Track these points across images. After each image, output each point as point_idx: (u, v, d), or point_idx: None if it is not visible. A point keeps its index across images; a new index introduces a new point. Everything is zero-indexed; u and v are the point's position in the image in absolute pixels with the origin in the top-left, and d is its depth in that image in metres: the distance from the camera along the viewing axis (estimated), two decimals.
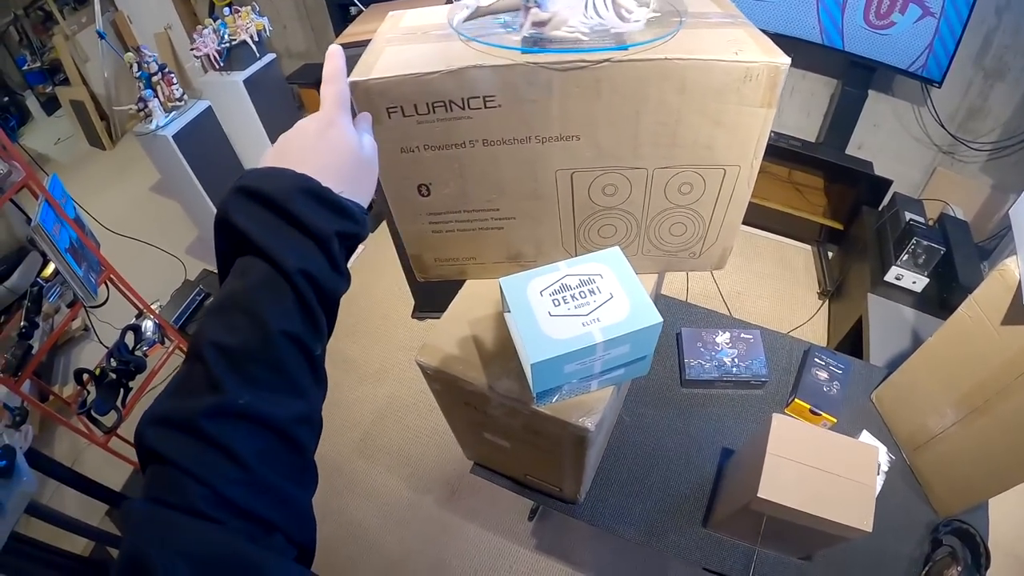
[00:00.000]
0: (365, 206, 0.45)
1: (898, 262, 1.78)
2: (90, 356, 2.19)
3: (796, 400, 1.20)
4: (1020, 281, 0.90)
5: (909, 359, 1.18)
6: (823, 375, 1.23)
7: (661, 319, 0.68)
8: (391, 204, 0.83)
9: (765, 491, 0.89)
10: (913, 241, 1.72)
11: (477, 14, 0.75)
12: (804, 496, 0.89)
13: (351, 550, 1.68)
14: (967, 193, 2.21)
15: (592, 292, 0.70)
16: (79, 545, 1.72)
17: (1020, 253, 0.92)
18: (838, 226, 2.33)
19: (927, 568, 1.06)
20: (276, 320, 0.38)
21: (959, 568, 1.01)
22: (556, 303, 0.69)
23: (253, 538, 0.35)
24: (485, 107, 0.70)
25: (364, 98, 0.70)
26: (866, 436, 1.20)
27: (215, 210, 1.57)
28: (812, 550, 1.08)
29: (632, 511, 1.12)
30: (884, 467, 1.15)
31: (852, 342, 1.85)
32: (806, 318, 2.28)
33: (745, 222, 2.63)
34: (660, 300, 1.35)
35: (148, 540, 0.31)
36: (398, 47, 0.73)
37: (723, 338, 1.27)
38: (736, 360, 1.23)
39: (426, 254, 0.89)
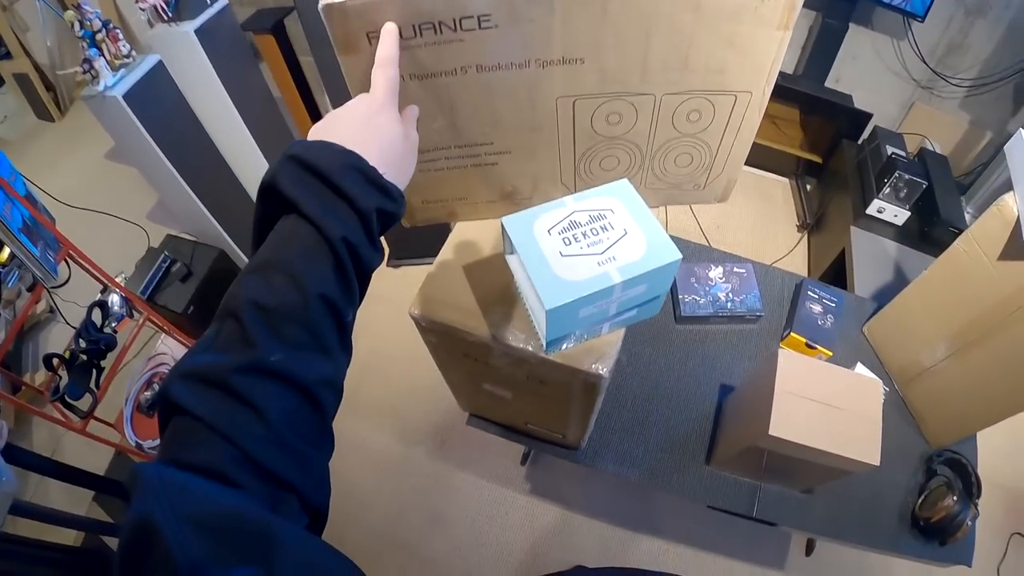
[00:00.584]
0: (402, 189, 0.48)
1: (880, 195, 1.77)
2: (58, 339, 2.09)
3: (792, 334, 1.19)
4: (1019, 217, 0.89)
5: (902, 293, 1.19)
6: (817, 308, 1.23)
7: (680, 255, 0.63)
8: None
9: (776, 429, 0.90)
10: (895, 175, 1.71)
11: None
12: (814, 432, 0.90)
13: (345, 507, 1.67)
14: (945, 128, 2.22)
15: (604, 229, 0.65)
16: (69, 536, 1.67)
17: (1018, 189, 0.91)
18: (817, 159, 2.33)
19: (923, 497, 1.10)
20: (315, 283, 0.39)
21: (955, 497, 1.04)
22: (567, 242, 0.64)
23: (271, 500, 0.35)
24: (479, 28, 0.62)
25: (340, 22, 0.59)
26: (860, 369, 1.20)
27: (175, 173, 1.43)
28: (815, 484, 1.11)
29: (634, 453, 1.12)
30: (880, 400, 1.14)
31: (835, 274, 1.87)
32: (786, 251, 2.30)
33: None
34: None
35: (155, 504, 0.30)
36: None
37: (716, 273, 1.24)
38: (730, 295, 1.22)
39: (412, 196, 0.82)
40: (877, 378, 0.97)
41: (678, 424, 1.14)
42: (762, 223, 2.42)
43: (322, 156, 0.41)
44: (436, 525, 1.68)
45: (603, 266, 0.62)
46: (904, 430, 1.19)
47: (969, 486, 1.12)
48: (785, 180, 2.56)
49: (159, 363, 1.93)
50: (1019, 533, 1.92)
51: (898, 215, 1.80)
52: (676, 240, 1.32)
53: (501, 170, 0.79)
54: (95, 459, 1.81)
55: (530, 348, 0.73)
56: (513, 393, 0.90)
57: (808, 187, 2.45)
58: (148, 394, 1.88)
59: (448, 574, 1.62)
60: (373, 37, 0.61)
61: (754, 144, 2.43)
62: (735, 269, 1.26)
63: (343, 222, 0.40)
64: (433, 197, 0.83)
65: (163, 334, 1.97)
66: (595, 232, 0.65)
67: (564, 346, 0.72)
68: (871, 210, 1.81)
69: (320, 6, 0.57)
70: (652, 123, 0.74)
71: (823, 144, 2.29)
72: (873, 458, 0.90)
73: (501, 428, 1.12)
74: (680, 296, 1.23)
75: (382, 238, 0.46)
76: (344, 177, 0.41)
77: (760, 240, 2.34)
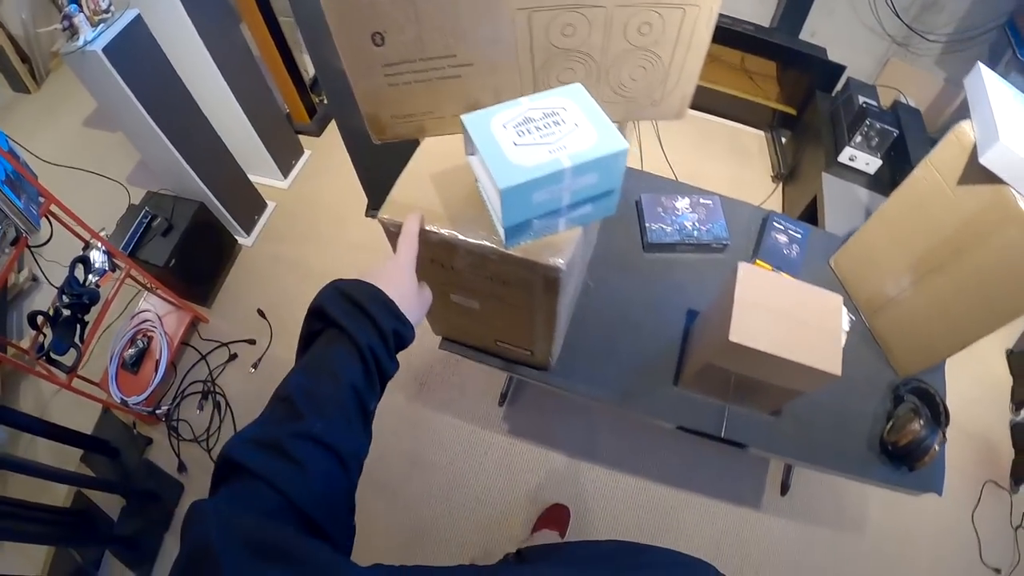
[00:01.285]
0: (414, 325, 0.64)
1: (852, 143, 1.86)
2: (44, 302, 2.14)
3: (757, 261, 1.27)
4: (976, 142, 0.95)
5: (865, 225, 1.26)
6: (783, 238, 1.30)
7: (628, 144, 0.70)
8: (345, 61, 0.82)
9: (736, 335, 0.95)
10: (867, 123, 1.79)
11: None
12: (774, 341, 0.95)
13: None
14: (920, 85, 2.29)
15: (556, 123, 0.72)
16: (60, 497, 1.74)
17: (974, 116, 0.98)
18: (791, 111, 2.41)
19: (891, 423, 1.16)
20: (348, 377, 0.54)
21: (921, 422, 1.10)
22: (521, 134, 0.71)
23: None
24: None
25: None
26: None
27: (157, 130, 1.51)
28: (780, 403, 1.17)
29: (604, 375, 1.19)
30: (845, 327, 1.22)
31: (807, 220, 1.93)
32: (761, 200, 2.38)
33: (697, 107, 2.67)
34: None
35: (211, 528, 0.37)
36: None
37: (683, 203, 1.32)
38: (697, 224, 1.29)
39: (382, 111, 0.89)
40: (838, 293, 1.02)
41: (647, 348, 1.21)
42: (737, 173, 2.51)
43: (357, 289, 0.59)
44: (416, 467, 1.77)
45: (554, 154, 0.69)
46: (871, 360, 1.26)
47: (937, 414, 1.16)
48: (760, 132, 2.64)
49: (142, 320, 1.99)
50: (992, 481, 2.01)
51: (870, 163, 1.89)
52: (646, 174, 1.41)
53: (464, 83, 0.86)
54: (83, 419, 1.87)
55: (491, 244, 0.80)
56: (480, 302, 0.97)
57: (783, 139, 2.54)
58: (132, 351, 1.94)
59: (428, 515, 1.71)
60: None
61: (730, 96, 2.59)
62: (701, 200, 1.34)
63: (368, 335, 0.56)
64: (402, 112, 0.90)
65: (146, 292, 2.03)
66: (548, 126, 0.72)
67: (523, 240, 0.80)
68: (843, 158, 1.89)
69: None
70: (605, 35, 0.82)
71: (798, 96, 2.37)
72: (834, 368, 0.93)
73: (473, 350, 1.19)
74: (647, 224, 1.30)
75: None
76: (371, 304, 0.58)
77: (735, 189, 2.38)
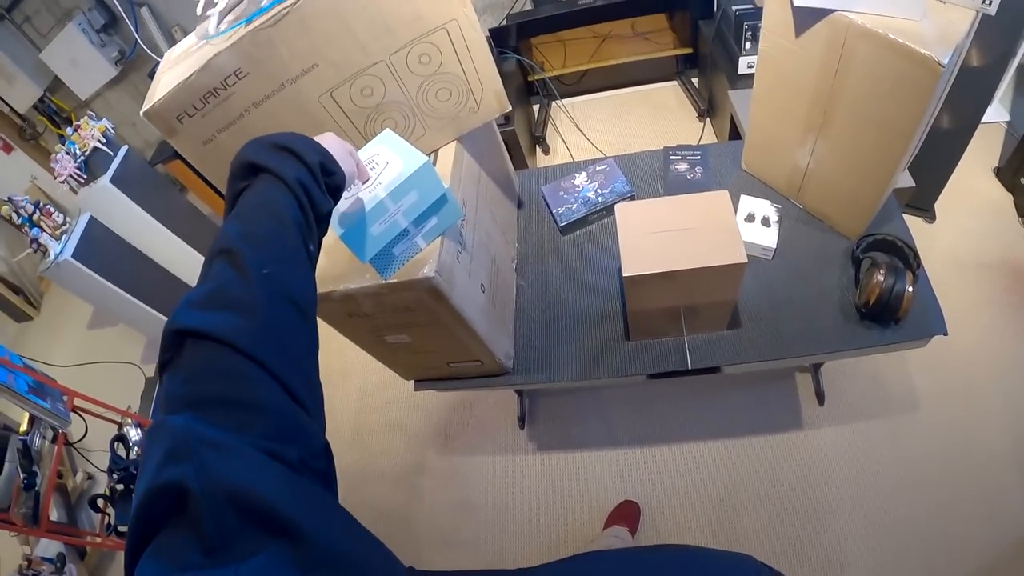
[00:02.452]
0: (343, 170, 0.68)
1: (743, 52, 1.96)
2: (101, 489, 2.41)
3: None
4: None
5: (750, 114, 1.34)
6: (683, 167, 1.43)
7: (427, 158, 0.88)
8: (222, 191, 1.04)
9: (630, 269, 1.05)
10: (745, 27, 1.90)
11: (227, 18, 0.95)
12: (671, 257, 1.03)
13: (387, 532, 1.86)
14: None
15: (373, 167, 0.90)
16: None
17: None
18: (689, 51, 2.55)
19: (859, 286, 1.18)
20: (284, 211, 0.54)
21: (882, 271, 1.11)
22: (349, 187, 0.89)
23: (292, 426, 0.44)
24: (239, 80, 0.92)
25: (158, 119, 0.93)
26: (744, 200, 1.36)
27: (145, 307, 1.84)
28: (725, 315, 1.22)
29: (558, 357, 1.30)
30: (774, 218, 1.32)
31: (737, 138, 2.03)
32: (694, 141, 2.47)
33: (606, 86, 2.87)
34: (518, 175, 1.56)
35: (190, 469, 0.35)
36: (170, 72, 0.95)
37: (581, 178, 1.46)
38: (599, 190, 1.43)
39: None
40: (723, 190, 1.09)
41: (589, 317, 1.32)
42: (664, 128, 2.64)
43: (275, 135, 0.61)
44: (465, 513, 1.89)
45: (372, 191, 0.87)
46: (818, 235, 1.31)
47: (905, 259, 1.17)
48: (673, 83, 2.79)
49: None
50: None
51: None
52: (542, 169, 1.57)
53: None
54: None
55: (374, 282, 0.98)
56: (408, 334, 1.14)
57: (694, 80, 2.67)
58: None
59: (491, 552, 1.81)
60: (181, 117, 0.93)
61: (631, 64, 2.80)
62: (597, 168, 1.47)
63: (296, 168, 0.57)
64: None
65: None
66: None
67: (395, 268, 0.96)
68: (742, 69, 1.99)
69: (141, 113, 0.92)
70: (397, 80, 1.01)
71: (688, 36, 2.52)
72: (738, 256, 0.99)
73: (440, 381, 1.34)
74: (555, 211, 1.43)
75: None
76: (291, 141, 0.60)
77: (666, 142, 2.49)
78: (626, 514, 1.72)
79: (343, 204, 0.85)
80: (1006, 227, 2.01)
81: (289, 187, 0.56)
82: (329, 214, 0.63)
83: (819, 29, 1.02)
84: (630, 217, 1.11)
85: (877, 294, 1.11)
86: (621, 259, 1.06)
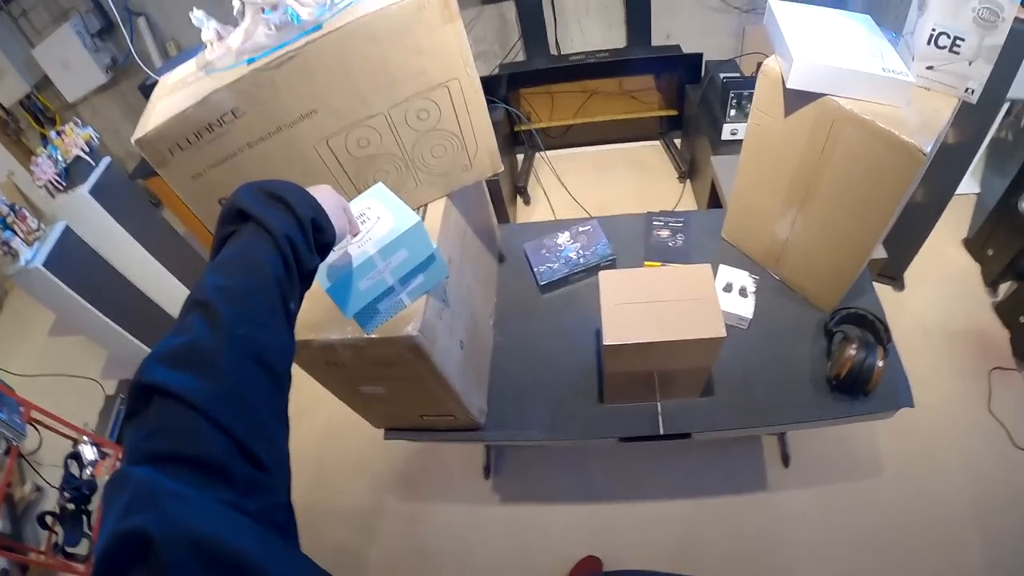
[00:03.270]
0: (335, 228, 0.66)
1: (727, 119, 2.04)
2: (52, 506, 2.30)
3: (646, 263, 1.41)
4: (781, 72, 1.05)
5: (733, 188, 1.38)
6: (665, 233, 1.46)
7: (419, 218, 0.88)
8: (208, 226, 1.02)
9: (610, 337, 1.06)
10: (731, 95, 1.98)
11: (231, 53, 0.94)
12: (651, 328, 1.04)
13: (343, 574, 1.84)
14: None
15: (364, 222, 0.90)
16: None
17: (776, 50, 1.10)
18: (674, 112, 2.65)
19: (831, 358, 1.20)
20: (266, 267, 0.53)
21: (854, 345, 1.14)
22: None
23: (252, 485, 0.43)
24: (236, 118, 0.92)
25: (150, 148, 0.91)
26: (723, 270, 1.39)
27: (112, 324, 1.77)
28: (699, 383, 1.24)
29: (531, 415, 1.30)
30: (751, 289, 1.35)
31: (714, 206, 2.09)
32: (674, 203, 2.57)
33: (590, 141, 2.96)
34: (500, 228, 1.57)
35: (152, 517, 0.35)
36: (166, 100, 0.94)
37: (564, 237, 1.48)
38: (581, 251, 1.45)
39: None
40: (705, 264, 1.10)
41: (565, 378, 1.32)
42: (645, 187, 2.71)
43: (271, 183, 0.60)
44: (427, 560, 1.85)
45: (362, 247, 0.86)
46: (793, 307, 1.35)
47: (876, 333, 1.20)
48: (656, 143, 2.87)
49: None
50: (998, 367, 1.97)
51: None
52: (526, 225, 1.58)
53: None
54: None
55: (355, 335, 0.97)
56: (383, 386, 1.13)
57: (677, 141, 2.76)
58: None
59: None
60: (173, 149, 0.92)
61: (616, 121, 2.89)
62: (580, 229, 1.50)
63: (285, 223, 0.56)
64: None
65: None
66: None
67: (378, 323, 0.96)
68: (726, 135, 2.06)
69: (133, 141, 0.90)
70: (394, 133, 1.02)
71: (674, 97, 2.61)
72: (717, 331, 1.01)
73: (412, 432, 1.33)
74: (536, 269, 1.45)
75: None
76: (286, 191, 0.59)
77: (646, 202, 2.58)
78: (587, 568, 1.71)
79: (331, 256, 0.85)
80: (972, 295, 2.10)
81: (276, 241, 0.55)
82: (315, 271, 0.62)
83: (808, 111, 1.06)
84: (612, 285, 1.13)
85: (848, 368, 1.14)
86: (602, 327, 1.07)
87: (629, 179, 2.76)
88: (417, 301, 0.99)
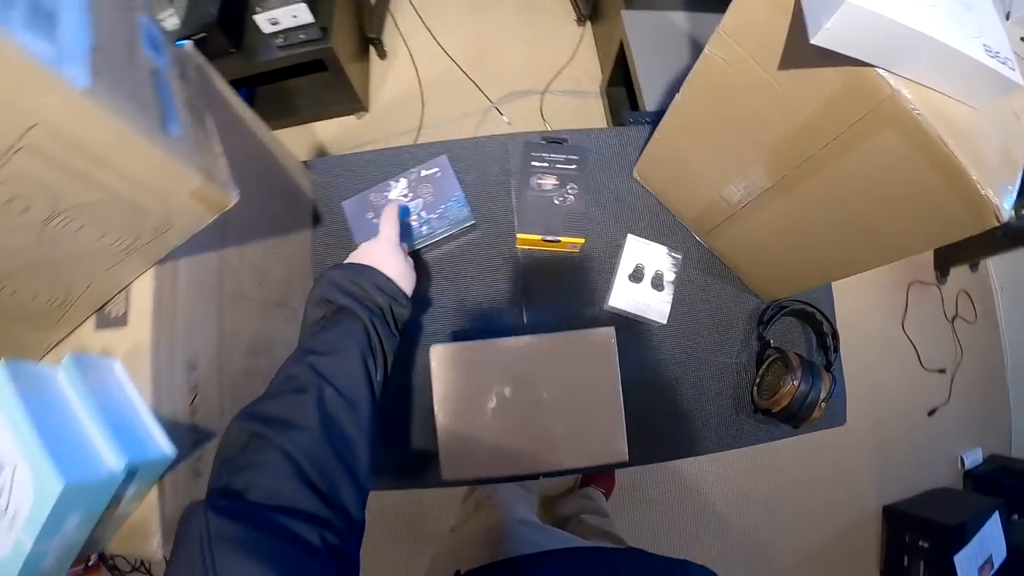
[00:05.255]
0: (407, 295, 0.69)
1: None
2: None
3: (519, 236, 0.93)
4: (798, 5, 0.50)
5: (662, 122, 0.86)
6: (549, 182, 0.95)
7: (63, 481, 0.41)
8: None
9: (450, 472, 0.71)
10: None
11: None
12: (513, 457, 0.68)
13: None
14: None
15: None
16: None
17: None
18: None
19: (758, 380, 0.89)
20: (353, 345, 0.58)
21: (797, 377, 0.83)
22: None
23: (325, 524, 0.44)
24: None
25: None
26: (631, 242, 0.95)
27: None
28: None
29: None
30: (670, 277, 0.94)
31: (622, 68, 1.60)
32: (569, 54, 2.02)
33: None
34: (310, 168, 0.99)
35: (200, 526, 0.38)
36: None
37: (398, 189, 0.96)
38: (424, 214, 0.94)
39: None
40: (609, 328, 0.70)
41: (401, 417, 0.90)
42: (532, 31, 2.08)
43: (354, 270, 0.65)
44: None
45: (12, 532, 0.42)
46: (722, 291, 0.97)
47: (822, 337, 0.93)
48: None
49: None
50: (917, 281, 1.90)
51: None
52: (338, 158, 1.02)
53: None
54: None
55: None
56: None
57: None
58: None
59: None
60: None
61: None
62: (423, 173, 0.96)
63: (370, 311, 0.62)
64: None
65: None
66: None
67: None
68: None
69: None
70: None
71: None
72: (616, 454, 0.69)
73: None
74: (360, 242, 0.92)
75: None
76: (368, 282, 0.64)
77: (536, 53, 2.05)
78: (602, 476, 1.66)
79: None
80: None
81: (363, 324, 0.60)
82: (393, 348, 0.64)
83: (827, 79, 0.55)
84: (451, 373, 0.72)
85: (787, 404, 0.83)
86: (439, 456, 0.72)
87: (514, 20, 2.09)
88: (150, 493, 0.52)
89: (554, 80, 1.98)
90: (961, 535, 1.54)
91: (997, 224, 0.50)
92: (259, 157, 0.82)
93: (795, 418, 0.85)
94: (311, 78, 1.83)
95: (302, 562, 0.40)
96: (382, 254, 0.70)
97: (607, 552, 0.62)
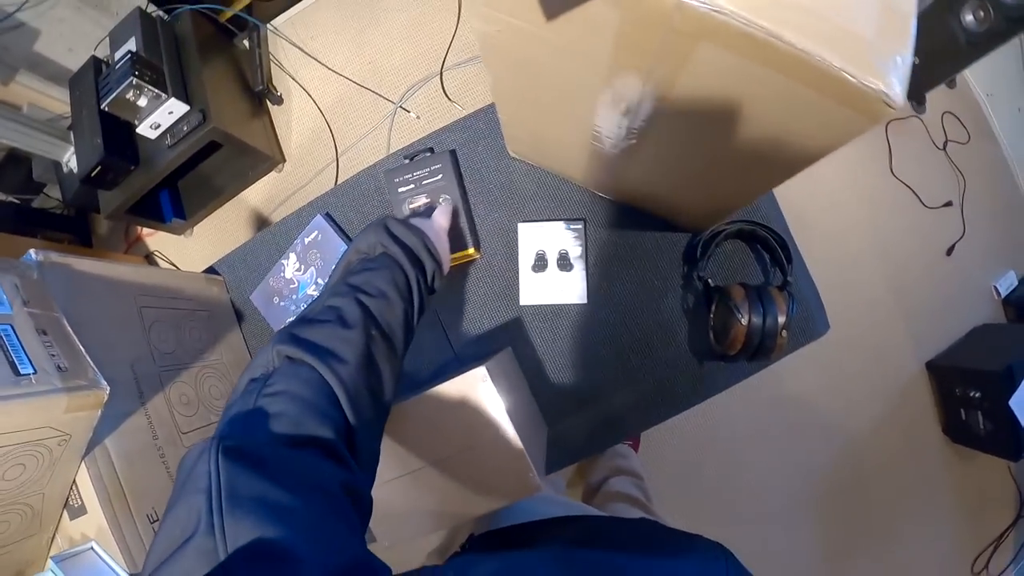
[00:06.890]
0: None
1: None
2: None
3: None
4: None
5: (496, 106, 0.81)
6: (420, 202, 0.91)
7: None
8: None
9: (384, 538, 0.67)
10: None
11: None
12: (434, 514, 0.65)
13: None
14: None
15: None
16: None
17: None
18: None
19: (713, 328, 0.82)
20: (399, 285, 0.60)
21: (743, 316, 0.76)
22: None
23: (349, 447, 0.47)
24: None
25: None
26: (526, 231, 0.90)
27: None
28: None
29: None
30: (577, 252, 0.89)
31: None
32: (453, 24, 1.94)
33: None
34: (213, 279, 0.98)
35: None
36: None
37: (291, 268, 0.94)
38: (321, 281, 0.93)
39: None
40: (479, 369, 0.63)
41: None
42: (414, 18, 1.98)
43: (407, 232, 0.65)
44: None
45: None
46: (642, 238, 0.90)
47: (773, 251, 0.83)
48: None
49: None
50: (894, 118, 1.75)
51: None
52: (233, 254, 1.00)
53: None
54: None
55: None
56: None
57: None
58: None
59: None
60: None
61: None
62: (306, 240, 0.93)
63: (417, 269, 0.63)
64: None
65: None
66: None
67: None
68: None
69: None
70: None
71: None
72: (527, 486, 0.63)
73: None
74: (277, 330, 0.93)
75: None
76: (419, 246, 0.64)
77: (420, 38, 1.96)
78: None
79: None
80: None
81: (405, 274, 0.61)
82: (424, 312, 0.65)
83: (599, 12, 0.46)
84: None
85: (743, 344, 0.77)
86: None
87: (399, 12, 1.98)
88: None
89: (447, 56, 1.89)
90: (1010, 378, 1.44)
91: (893, 110, 0.39)
92: (156, 301, 0.82)
93: (759, 354, 0.78)
94: (218, 155, 1.81)
95: (321, 512, 0.36)
96: (438, 230, 0.75)
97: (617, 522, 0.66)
